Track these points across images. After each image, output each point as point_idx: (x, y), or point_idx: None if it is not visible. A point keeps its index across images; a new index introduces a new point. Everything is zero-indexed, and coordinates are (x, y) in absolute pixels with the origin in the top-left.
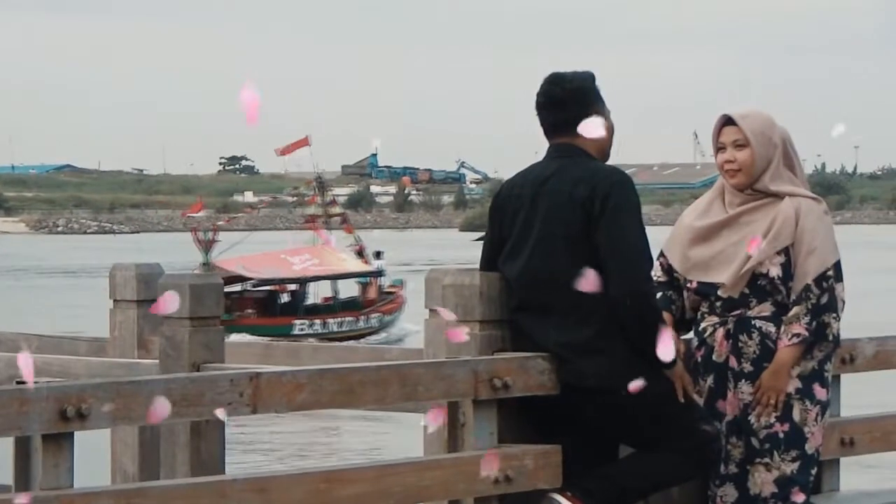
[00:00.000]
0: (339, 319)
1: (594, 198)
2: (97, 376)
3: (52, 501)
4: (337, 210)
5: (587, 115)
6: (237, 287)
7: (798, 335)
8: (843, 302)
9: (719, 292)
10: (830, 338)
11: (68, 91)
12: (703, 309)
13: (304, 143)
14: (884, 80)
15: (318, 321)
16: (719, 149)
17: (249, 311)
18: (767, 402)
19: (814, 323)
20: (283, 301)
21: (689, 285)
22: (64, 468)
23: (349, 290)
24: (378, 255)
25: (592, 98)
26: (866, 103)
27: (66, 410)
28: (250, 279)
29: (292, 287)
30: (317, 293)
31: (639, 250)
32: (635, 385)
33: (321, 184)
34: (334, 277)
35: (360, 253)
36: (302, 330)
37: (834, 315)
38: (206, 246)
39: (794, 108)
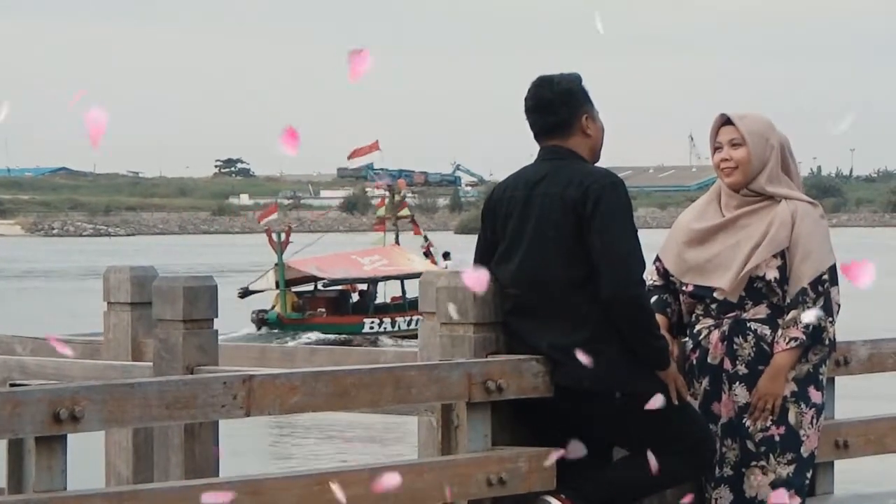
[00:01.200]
0: (408, 318)
1: (586, 200)
2: (91, 378)
3: None
4: (405, 212)
5: (576, 117)
6: (309, 287)
7: (795, 339)
8: (839, 305)
9: (715, 295)
10: (826, 342)
11: (66, 92)
12: (698, 311)
13: (375, 147)
14: (879, 83)
15: (387, 319)
16: (716, 148)
17: (321, 310)
18: (764, 406)
19: (811, 326)
20: (353, 300)
21: (684, 288)
22: (57, 471)
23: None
24: (446, 255)
25: (581, 99)
26: (862, 106)
27: (59, 413)
28: (322, 279)
29: (362, 287)
30: (385, 293)
31: (630, 253)
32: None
33: (390, 187)
34: (403, 277)
35: (428, 253)
36: (372, 328)
37: (830, 319)
38: (281, 247)
39: (789, 111)
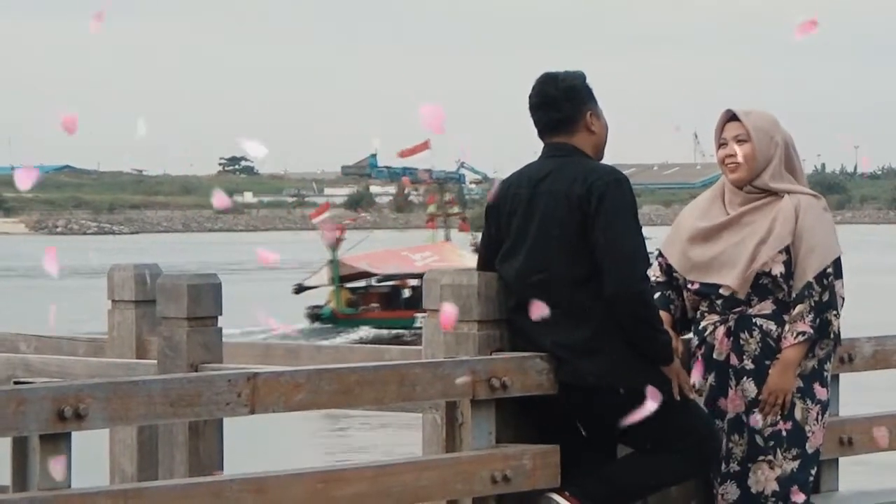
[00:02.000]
0: None
1: (590, 197)
2: (96, 376)
3: (50, 502)
4: (455, 209)
5: (581, 113)
6: (362, 283)
7: (804, 333)
8: (843, 299)
9: (721, 291)
10: (832, 335)
11: (68, 91)
12: (703, 307)
13: (426, 146)
14: (881, 83)
15: None
16: (721, 144)
17: (374, 305)
18: (775, 402)
19: (817, 320)
20: (405, 296)
21: (689, 286)
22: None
23: None
24: None
25: (585, 96)
26: (866, 104)
27: (63, 410)
28: (375, 275)
29: (414, 282)
30: None
31: (634, 250)
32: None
33: (440, 185)
34: None
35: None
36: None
37: (835, 312)
38: (334, 244)
39: (793, 109)
